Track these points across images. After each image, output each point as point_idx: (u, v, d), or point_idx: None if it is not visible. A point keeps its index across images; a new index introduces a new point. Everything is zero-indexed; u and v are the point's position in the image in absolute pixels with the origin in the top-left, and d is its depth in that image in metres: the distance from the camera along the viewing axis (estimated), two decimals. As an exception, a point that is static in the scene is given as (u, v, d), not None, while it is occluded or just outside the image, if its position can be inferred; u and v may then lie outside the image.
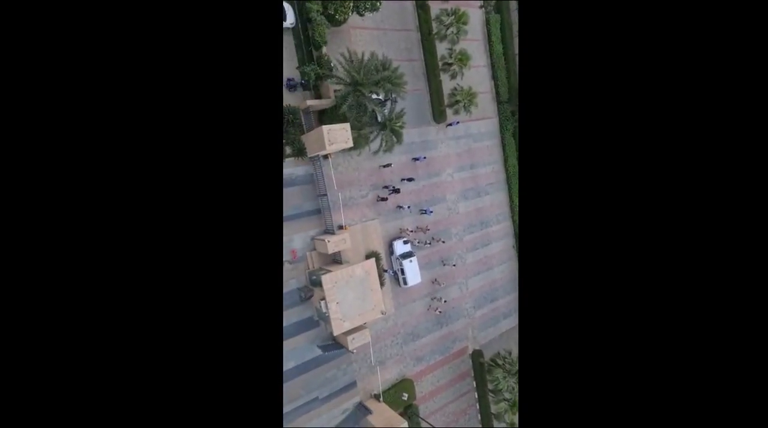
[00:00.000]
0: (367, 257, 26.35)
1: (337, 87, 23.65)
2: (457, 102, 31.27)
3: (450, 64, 30.99)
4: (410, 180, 29.78)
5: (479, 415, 33.86)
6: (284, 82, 24.10)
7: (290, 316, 24.30)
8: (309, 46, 24.69)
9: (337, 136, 22.20)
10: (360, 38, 27.76)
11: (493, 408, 32.71)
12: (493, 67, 35.29)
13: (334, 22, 24.73)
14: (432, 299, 31.06)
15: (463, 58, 30.47)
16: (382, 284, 26.50)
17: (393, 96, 24.39)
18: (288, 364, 24.07)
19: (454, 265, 32.32)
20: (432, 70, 30.79)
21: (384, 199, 28.31)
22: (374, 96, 23.37)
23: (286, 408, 23.82)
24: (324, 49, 24.68)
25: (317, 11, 23.65)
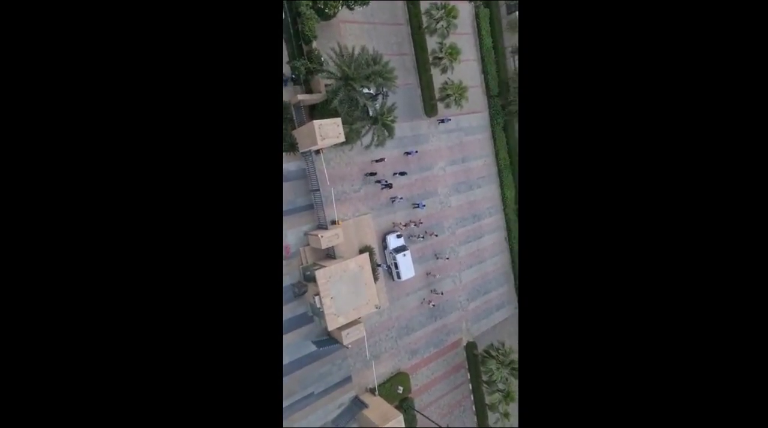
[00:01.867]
0: (361, 252, 26.39)
1: (328, 81, 23.52)
2: (447, 96, 31.31)
3: (440, 58, 30.99)
4: (402, 174, 29.83)
5: (474, 406, 34.22)
6: (275, 77, 23.92)
7: (284, 312, 24.24)
8: (299, 40, 24.50)
9: (329, 130, 22.13)
10: (350, 32, 27.60)
11: (488, 399, 33.11)
12: (483, 60, 35.36)
13: (323, 16, 24.55)
14: (431, 291, 31.27)
15: (454, 52, 30.50)
16: (375, 278, 26.56)
17: (384, 90, 24.33)
18: (283, 360, 24.07)
19: (447, 258, 32.52)
20: (423, 64, 30.84)
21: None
22: (365, 90, 23.28)
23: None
24: (314, 44, 24.51)
25: (306, 5, 23.46)
